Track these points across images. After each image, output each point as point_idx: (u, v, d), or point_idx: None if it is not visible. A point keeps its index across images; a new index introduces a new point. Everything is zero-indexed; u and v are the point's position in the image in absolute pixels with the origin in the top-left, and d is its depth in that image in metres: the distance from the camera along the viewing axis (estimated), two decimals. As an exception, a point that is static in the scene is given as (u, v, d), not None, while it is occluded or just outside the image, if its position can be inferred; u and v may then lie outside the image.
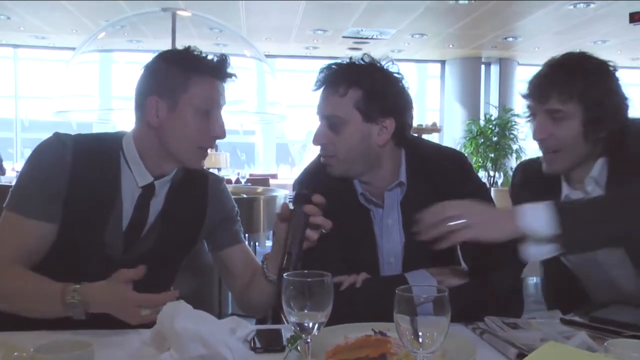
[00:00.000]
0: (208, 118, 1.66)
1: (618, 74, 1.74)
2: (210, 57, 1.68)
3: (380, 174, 1.80)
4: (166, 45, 5.67)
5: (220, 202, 1.88)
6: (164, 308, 1.37)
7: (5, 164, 11.52)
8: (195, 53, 1.68)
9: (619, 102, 1.72)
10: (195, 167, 1.74)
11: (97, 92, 10.66)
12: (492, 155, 12.12)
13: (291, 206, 1.64)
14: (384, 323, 1.47)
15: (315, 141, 1.78)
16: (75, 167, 1.63)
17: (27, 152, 12.00)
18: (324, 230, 1.60)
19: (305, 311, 1.19)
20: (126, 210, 1.69)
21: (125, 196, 1.68)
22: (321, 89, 1.77)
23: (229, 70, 1.70)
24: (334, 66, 1.76)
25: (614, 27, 10.27)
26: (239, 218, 1.94)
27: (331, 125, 1.73)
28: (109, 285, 1.49)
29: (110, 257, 1.67)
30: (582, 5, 8.84)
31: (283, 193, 5.24)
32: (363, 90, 1.70)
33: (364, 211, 1.82)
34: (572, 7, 8.95)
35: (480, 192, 1.78)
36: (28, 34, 11.93)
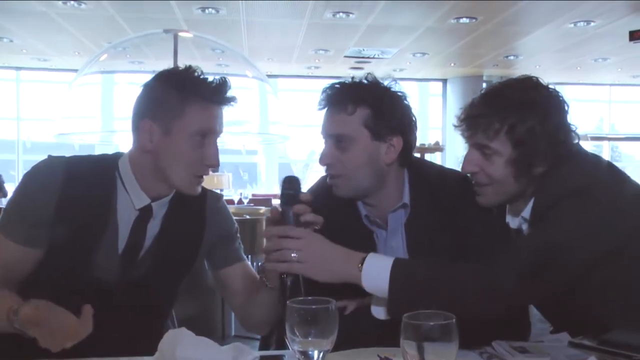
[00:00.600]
0: (202, 145, 1.61)
1: (567, 97, 1.65)
2: (210, 79, 1.62)
3: (384, 194, 1.79)
4: (168, 67, 5.69)
5: (218, 220, 1.84)
6: (166, 335, 1.35)
7: (7, 186, 11.50)
8: (195, 74, 1.62)
9: (557, 138, 1.59)
10: (189, 193, 1.67)
11: (99, 114, 10.69)
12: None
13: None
14: (390, 348, 1.45)
15: (322, 161, 1.76)
16: (65, 190, 1.59)
17: (30, 174, 11.97)
18: (316, 227, 1.57)
19: (310, 339, 1.16)
20: (122, 233, 1.65)
21: (121, 218, 1.65)
22: (325, 109, 1.75)
23: (229, 94, 1.65)
24: (338, 85, 1.74)
25: (614, 45, 10.28)
26: (238, 235, 1.91)
27: (338, 144, 1.71)
28: (49, 307, 1.42)
29: (104, 281, 1.63)
30: (582, 23, 8.84)
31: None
32: (371, 109, 1.70)
33: (367, 233, 1.80)
34: (572, 25, 8.95)
35: (484, 215, 1.76)
36: (30, 56, 11.97)
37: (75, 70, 6.77)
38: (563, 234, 1.52)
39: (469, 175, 1.71)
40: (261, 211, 5.99)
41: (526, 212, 1.67)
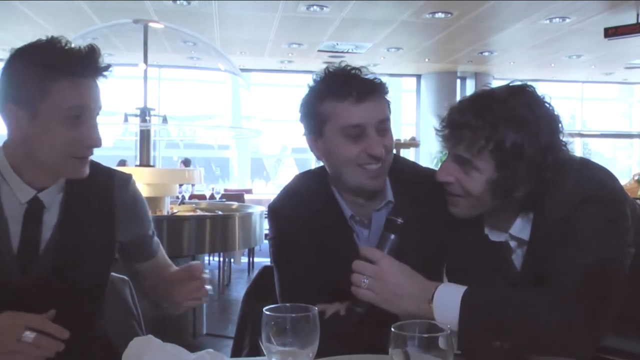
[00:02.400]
0: (78, 125, 1.44)
1: (558, 109, 1.53)
2: (75, 48, 1.44)
3: (376, 193, 1.73)
4: (138, 59, 5.56)
5: (132, 211, 1.72)
6: (131, 343, 1.25)
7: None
8: (58, 46, 1.43)
9: (544, 162, 1.46)
10: (75, 177, 1.52)
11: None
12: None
13: None
14: (375, 356, 1.39)
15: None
16: None
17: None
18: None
19: (287, 349, 1.08)
20: (14, 230, 1.51)
21: (9, 215, 1.51)
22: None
23: (100, 63, 1.46)
24: None
25: (589, 42, 10.36)
26: (153, 230, 1.81)
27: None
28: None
29: (4, 283, 1.48)
30: (557, 19, 8.87)
31: (259, 210, 5.10)
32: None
33: (347, 232, 1.71)
34: (547, 21, 8.98)
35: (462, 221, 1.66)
36: (-5, 46, 11.68)
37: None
38: (601, 244, 1.41)
39: (443, 183, 1.58)
40: (233, 207, 5.88)
41: (515, 230, 1.57)
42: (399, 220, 1.49)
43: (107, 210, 1.64)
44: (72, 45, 1.45)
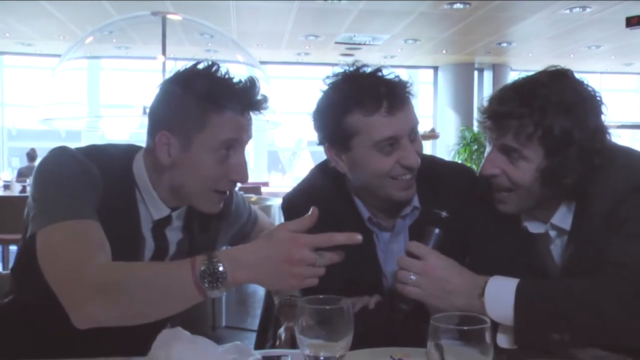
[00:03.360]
0: (227, 159, 1.42)
1: (602, 91, 1.49)
2: (235, 80, 1.42)
3: None
4: (155, 52, 5.56)
5: (235, 219, 1.75)
6: (159, 336, 1.22)
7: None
8: (218, 76, 1.41)
9: (593, 146, 1.42)
10: (208, 211, 1.50)
11: (85, 100, 10.54)
12: (486, 161, 12.03)
13: None
14: (402, 349, 1.37)
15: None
16: (102, 190, 1.41)
17: (15, 161, 11.83)
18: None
19: (322, 342, 1.06)
20: (149, 243, 1.51)
21: (144, 229, 1.50)
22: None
23: (258, 97, 1.43)
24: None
25: (608, 32, 10.25)
26: (250, 212, 1.85)
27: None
28: (264, 239, 1.20)
29: None
30: (578, 9, 8.77)
31: (277, 202, 5.09)
32: None
33: (366, 234, 1.65)
34: (568, 11, 8.88)
35: (497, 217, 1.60)
36: (14, 40, 11.77)
37: (59, 56, 6.60)
38: None
39: (489, 176, 1.52)
40: (252, 199, 5.86)
41: (557, 219, 1.53)
42: (443, 214, 1.43)
43: (216, 224, 1.66)
44: (234, 78, 1.42)
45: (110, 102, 11.41)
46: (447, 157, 8.46)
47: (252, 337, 4.66)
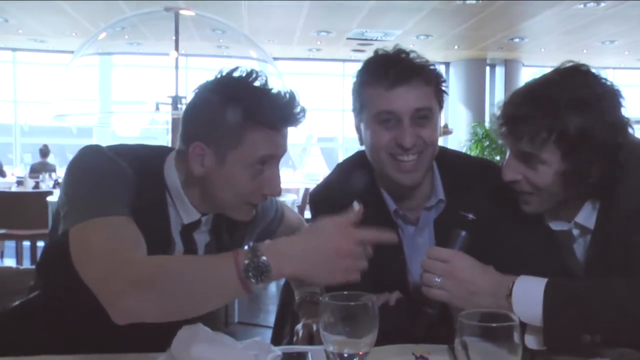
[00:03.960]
0: (262, 173, 1.40)
1: (620, 85, 1.43)
2: (274, 91, 1.38)
3: (422, 190, 1.66)
4: (167, 48, 5.55)
5: (261, 216, 1.72)
6: (180, 332, 1.22)
7: (5, 168, 11.40)
8: (257, 87, 1.38)
9: (614, 141, 1.37)
10: (241, 220, 1.49)
11: (97, 96, 10.57)
12: (498, 157, 11.99)
13: None
14: (423, 345, 1.37)
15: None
16: (135, 189, 1.39)
17: (27, 157, 11.87)
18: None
19: (345, 339, 1.04)
20: (178, 246, 1.49)
21: (174, 232, 1.49)
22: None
23: (296, 110, 1.40)
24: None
25: (623, 27, 10.16)
26: (277, 208, 1.82)
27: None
28: (311, 231, 1.20)
29: None
30: (592, 4, 8.69)
31: (291, 198, 5.09)
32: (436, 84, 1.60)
33: (392, 228, 1.64)
34: (582, 6, 8.81)
35: (524, 213, 1.58)
36: (27, 37, 11.82)
37: (72, 52, 6.61)
38: None
39: (510, 182, 1.50)
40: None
41: (581, 218, 1.50)
42: (470, 216, 1.41)
43: (243, 226, 1.63)
44: (272, 90, 1.39)
45: (122, 98, 11.44)
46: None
47: (265, 333, 4.68)
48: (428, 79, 1.56)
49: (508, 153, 1.50)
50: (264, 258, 1.11)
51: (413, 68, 1.54)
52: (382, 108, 1.53)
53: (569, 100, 1.36)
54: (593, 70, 1.44)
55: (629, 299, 1.28)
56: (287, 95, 1.39)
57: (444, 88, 1.61)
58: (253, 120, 1.36)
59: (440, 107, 1.61)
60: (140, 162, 1.44)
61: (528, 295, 1.30)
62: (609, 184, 1.42)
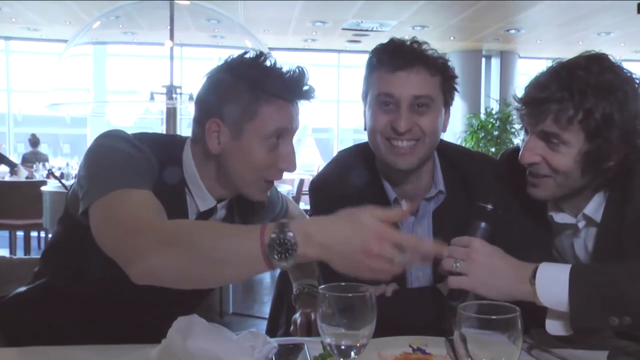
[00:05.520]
0: (277, 147, 1.42)
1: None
2: (285, 69, 1.42)
3: (421, 177, 1.66)
4: (161, 38, 5.52)
5: (269, 208, 1.75)
6: (175, 323, 1.20)
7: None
8: (268, 65, 1.42)
9: (635, 128, 1.40)
10: (256, 199, 1.50)
11: (91, 85, 10.53)
12: (493, 149, 12.02)
13: None
14: (420, 337, 1.36)
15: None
16: (158, 172, 1.40)
17: (21, 147, 11.82)
18: None
19: (343, 330, 1.03)
20: None
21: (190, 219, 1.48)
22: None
23: (306, 87, 1.43)
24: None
25: (619, 18, 10.17)
26: (282, 204, 1.85)
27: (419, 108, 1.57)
28: (346, 221, 1.11)
29: None
30: (589, -6, 8.69)
31: (286, 189, 5.08)
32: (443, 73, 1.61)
33: None
34: (579, -4, 8.80)
35: (523, 205, 1.59)
36: (20, 25, 11.75)
37: (66, 41, 6.58)
38: None
39: (528, 165, 1.49)
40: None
41: (590, 210, 1.50)
42: (489, 207, 1.40)
43: (253, 216, 1.65)
44: (282, 67, 1.42)
45: (116, 88, 11.41)
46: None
47: (260, 323, 4.67)
48: (433, 70, 1.56)
49: (524, 137, 1.50)
50: (291, 234, 1.07)
51: (418, 56, 1.56)
52: (382, 90, 1.55)
53: (596, 84, 1.37)
54: (614, 60, 1.45)
55: None
56: (297, 71, 1.42)
57: (454, 85, 1.62)
58: (267, 93, 1.39)
59: (447, 101, 1.62)
60: (161, 149, 1.45)
61: (553, 279, 1.29)
62: (622, 174, 1.43)
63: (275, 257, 1.07)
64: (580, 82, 1.37)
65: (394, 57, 1.54)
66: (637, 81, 1.43)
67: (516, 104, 1.49)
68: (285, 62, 1.45)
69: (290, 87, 1.41)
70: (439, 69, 1.57)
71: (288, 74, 1.41)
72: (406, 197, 1.66)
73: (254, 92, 1.38)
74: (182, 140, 1.53)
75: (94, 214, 1.26)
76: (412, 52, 1.56)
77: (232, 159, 1.42)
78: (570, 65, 1.43)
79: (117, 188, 1.26)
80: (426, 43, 1.59)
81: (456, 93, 1.64)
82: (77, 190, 1.37)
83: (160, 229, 1.18)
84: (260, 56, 1.43)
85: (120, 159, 1.34)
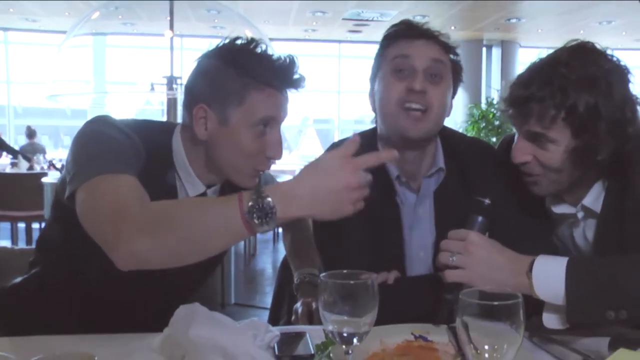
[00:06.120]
0: (264, 135, 1.41)
1: (626, 62, 1.42)
2: (274, 57, 1.41)
3: (424, 155, 1.66)
4: (161, 28, 5.50)
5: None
6: (177, 311, 1.21)
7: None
8: (257, 51, 1.41)
9: (623, 116, 1.37)
10: (245, 186, 1.46)
11: (91, 77, 10.51)
12: (494, 139, 12.01)
13: None
14: (421, 325, 1.37)
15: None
16: (145, 158, 1.38)
17: (21, 139, 11.76)
18: None
19: (345, 318, 1.02)
20: None
21: None
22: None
23: (296, 75, 1.43)
24: None
25: (620, 8, 10.13)
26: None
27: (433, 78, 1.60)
28: (314, 170, 1.13)
29: None
30: (592, -18, 8.65)
31: (284, 179, 5.07)
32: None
33: (390, 193, 1.66)
34: (581, -16, 8.76)
35: (519, 191, 1.58)
36: (18, 16, 11.72)
37: (65, 32, 6.56)
38: None
39: (520, 164, 1.49)
40: (261, 176, 5.86)
41: (589, 201, 1.49)
42: (486, 201, 1.39)
43: None
44: (273, 55, 1.41)
45: (116, 79, 11.39)
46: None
47: (262, 314, 4.68)
48: (446, 49, 1.61)
49: (516, 135, 1.49)
50: (269, 199, 1.08)
51: (434, 34, 1.61)
52: (400, 52, 1.58)
53: (577, 79, 1.35)
54: (598, 47, 1.43)
55: None
56: (288, 59, 1.41)
57: (460, 74, 1.66)
58: (255, 80, 1.37)
59: (454, 85, 1.64)
60: (149, 135, 1.44)
61: (549, 272, 1.28)
62: (618, 163, 1.41)
63: (256, 221, 1.09)
64: (561, 79, 1.35)
65: (411, 29, 1.60)
66: (623, 68, 1.41)
67: (502, 104, 1.48)
68: (284, 52, 1.43)
69: (280, 75, 1.40)
70: (452, 52, 1.62)
71: (278, 62, 1.40)
72: (408, 174, 1.66)
73: (242, 78, 1.37)
74: (173, 126, 1.53)
75: (78, 200, 1.26)
76: (428, 29, 1.61)
77: (219, 146, 1.41)
78: (551, 60, 1.42)
79: (100, 174, 1.25)
80: (437, 31, 1.63)
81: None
82: (65, 176, 1.37)
83: (140, 213, 1.17)
84: (251, 42, 1.42)
85: (105, 144, 1.33)
